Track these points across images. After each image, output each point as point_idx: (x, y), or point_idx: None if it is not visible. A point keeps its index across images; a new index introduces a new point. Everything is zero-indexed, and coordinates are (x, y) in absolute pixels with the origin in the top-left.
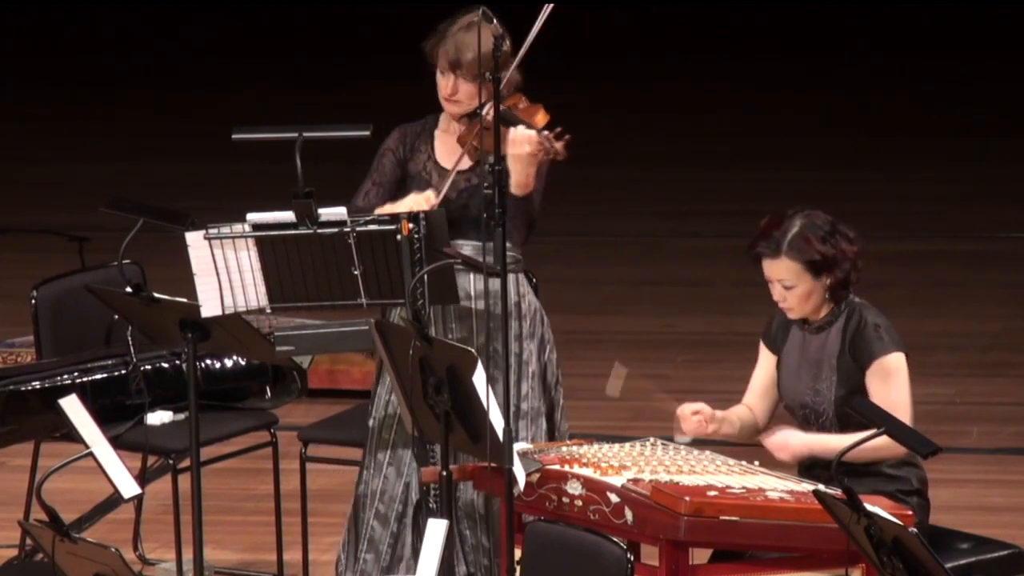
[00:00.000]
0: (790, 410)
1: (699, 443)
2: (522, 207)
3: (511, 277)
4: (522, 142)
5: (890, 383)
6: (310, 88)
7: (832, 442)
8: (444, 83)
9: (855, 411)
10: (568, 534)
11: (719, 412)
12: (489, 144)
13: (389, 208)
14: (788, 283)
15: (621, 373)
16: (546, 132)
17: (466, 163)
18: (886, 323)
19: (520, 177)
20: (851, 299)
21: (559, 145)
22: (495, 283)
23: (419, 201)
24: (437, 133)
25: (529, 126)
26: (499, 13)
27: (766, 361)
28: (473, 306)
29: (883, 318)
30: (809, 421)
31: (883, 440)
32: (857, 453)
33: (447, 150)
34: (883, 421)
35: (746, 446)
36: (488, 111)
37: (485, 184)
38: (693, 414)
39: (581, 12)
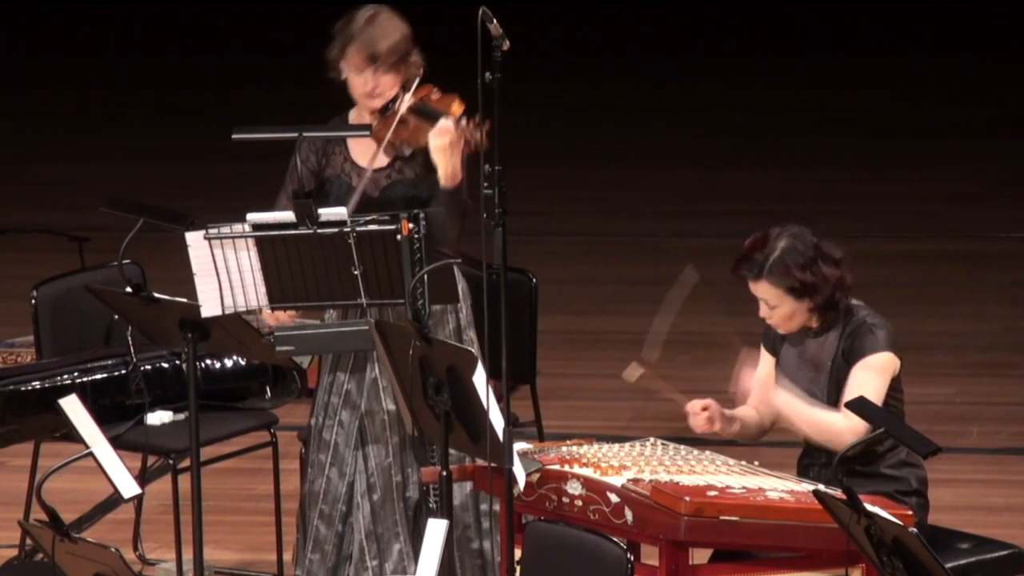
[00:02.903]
0: None
1: (699, 443)
2: (455, 198)
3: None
4: (443, 133)
5: (870, 378)
6: (310, 87)
7: (797, 406)
8: (362, 81)
9: (854, 411)
10: (568, 534)
11: (727, 411)
12: (406, 136)
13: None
14: (771, 303)
15: (636, 371)
16: (464, 121)
17: (383, 160)
18: (884, 324)
19: (447, 169)
20: (850, 303)
21: (478, 134)
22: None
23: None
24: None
25: (446, 116)
26: (498, 13)
27: (766, 363)
28: None
29: (882, 319)
30: None
31: (840, 425)
32: (818, 436)
33: (362, 148)
34: (883, 421)
35: (747, 446)
36: (400, 103)
37: (484, 184)
38: (703, 409)
39: (581, 11)
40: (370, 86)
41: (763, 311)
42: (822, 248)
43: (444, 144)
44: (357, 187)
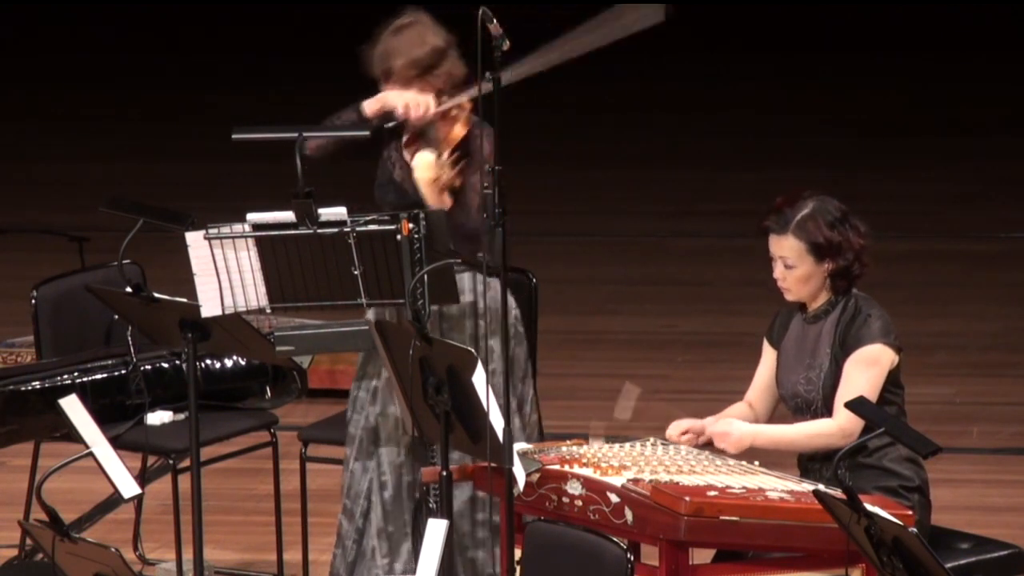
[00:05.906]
0: (784, 401)
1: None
2: (449, 220)
3: (467, 275)
4: (419, 167)
5: (862, 372)
6: (311, 88)
7: (778, 433)
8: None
9: (854, 411)
10: (568, 534)
11: (710, 418)
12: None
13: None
14: (790, 262)
15: (632, 394)
16: (444, 157)
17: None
18: (881, 315)
19: (427, 198)
20: (852, 292)
21: (451, 174)
22: (465, 282)
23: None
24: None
25: (432, 149)
26: (499, 13)
27: (768, 357)
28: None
29: (880, 310)
30: (801, 411)
31: (827, 430)
32: (811, 448)
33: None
34: (883, 421)
35: None
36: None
37: (484, 184)
38: (683, 434)
39: (581, 11)
40: None
41: (778, 271)
42: (850, 216)
43: (418, 177)
44: (397, 179)
